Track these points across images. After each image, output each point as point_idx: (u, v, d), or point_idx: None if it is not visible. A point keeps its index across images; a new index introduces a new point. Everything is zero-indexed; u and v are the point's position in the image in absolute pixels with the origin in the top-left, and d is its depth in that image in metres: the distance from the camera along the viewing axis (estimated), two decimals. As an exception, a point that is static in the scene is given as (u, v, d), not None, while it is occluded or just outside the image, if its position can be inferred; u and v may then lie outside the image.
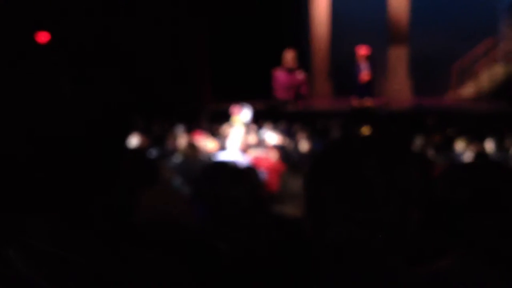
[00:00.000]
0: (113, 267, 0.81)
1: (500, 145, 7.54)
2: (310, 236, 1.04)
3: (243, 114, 6.61)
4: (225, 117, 10.78)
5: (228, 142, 6.81)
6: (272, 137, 8.02)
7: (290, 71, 13.45)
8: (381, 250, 0.96)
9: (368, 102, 13.31)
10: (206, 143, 8.10)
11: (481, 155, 5.81)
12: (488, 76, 15.04)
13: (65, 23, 11.21)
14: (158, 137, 9.22)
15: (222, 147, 7.21)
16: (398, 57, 15.54)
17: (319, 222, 1.00)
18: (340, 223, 0.96)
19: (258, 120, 9.80)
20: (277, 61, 13.62)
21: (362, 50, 13.45)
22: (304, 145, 7.78)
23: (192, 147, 6.40)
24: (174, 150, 7.23)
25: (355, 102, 13.44)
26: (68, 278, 0.76)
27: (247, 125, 6.22)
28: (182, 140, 7.30)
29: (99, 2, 12.21)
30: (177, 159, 6.41)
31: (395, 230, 0.96)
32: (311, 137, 8.54)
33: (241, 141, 6.81)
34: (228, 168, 3.72)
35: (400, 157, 1.00)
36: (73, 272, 0.77)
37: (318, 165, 1.04)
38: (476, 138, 7.90)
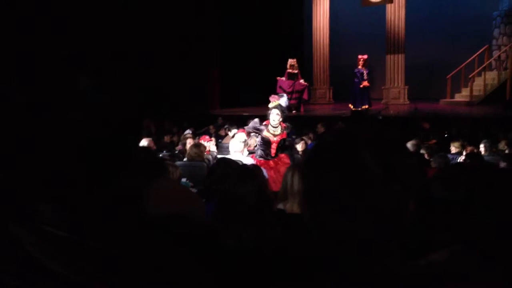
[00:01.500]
0: (123, 252, 0.81)
1: (493, 148, 7.66)
2: (310, 228, 1.00)
3: (281, 100, 6.77)
4: (231, 122, 11.10)
5: (233, 145, 6.83)
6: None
7: (293, 78, 13.81)
8: (380, 240, 0.95)
9: (366, 107, 13.67)
10: (212, 146, 8.40)
11: (475, 157, 5.86)
12: (482, 82, 15.24)
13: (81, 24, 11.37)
14: (166, 142, 9.45)
15: (227, 150, 7.19)
16: (396, 65, 15.92)
17: (318, 213, 0.98)
18: (339, 213, 0.94)
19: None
20: (281, 69, 14.04)
21: (362, 58, 13.84)
22: (303, 147, 8.10)
23: (198, 150, 6.36)
24: (183, 153, 7.25)
25: (354, 107, 13.77)
26: (77, 260, 0.77)
27: (282, 110, 6.38)
28: (189, 144, 7.28)
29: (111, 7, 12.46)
30: (183, 161, 6.37)
31: (392, 220, 0.94)
32: (313, 140, 8.86)
33: (244, 144, 6.79)
34: (235, 167, 3.78)
35: (397, 147, 0.98)
36: (82, 255, 0.78)
37: (315, 156, 1.02)
38: (470, 141, 8.17)
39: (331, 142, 1.01)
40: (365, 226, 0.93)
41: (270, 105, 6.60)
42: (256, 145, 7.85)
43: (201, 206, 2.61)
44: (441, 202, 3.37)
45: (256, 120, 6.69)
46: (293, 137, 6.41)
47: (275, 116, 6.38)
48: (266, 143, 6.50)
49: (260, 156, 6.52)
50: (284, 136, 6.49)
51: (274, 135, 6.42)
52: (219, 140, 9.64)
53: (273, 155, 6.46)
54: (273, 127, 6.40)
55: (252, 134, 9.19)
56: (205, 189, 3.89)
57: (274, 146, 6.45)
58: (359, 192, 0.92)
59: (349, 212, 0.93)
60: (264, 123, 6.55)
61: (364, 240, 0.94)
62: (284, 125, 6.50)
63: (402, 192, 0.94)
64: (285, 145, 6.40)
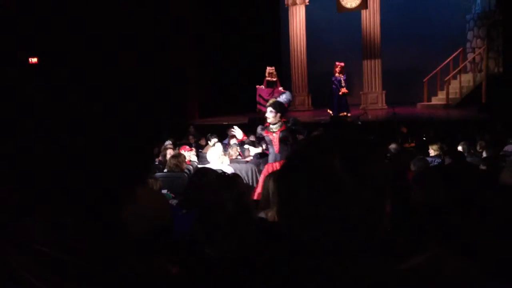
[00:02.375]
0: (105, 264, 0.82)
1: (471, 150, 7.72)
2: (286, 237, 1.01)
3: (281, 96, 6.86)
4: (211, 132, 11.10)
5: (211, 154, 6.88)
6: (253, 149, 8.38)
7: (272, 86, 13.87)
8: (356, 246, 0.95)
9: (345, 113, 13.76)
10: (192, 156, 8.37)
11: (457, 156, 5.88)
12: (458, 85, 15.45)
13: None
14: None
15: (207, 159, 7.23)
16: (373, 70, 16.06)
17: (293, 223, 0.98)
18: (312, 220, 0.94)
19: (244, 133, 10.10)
20: (260, 78, 14.08)
21: (338, 65, 13.93)
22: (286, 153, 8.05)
23: (177, 160, 6.38)
24: (163, 164, 7.23)
25: (332, 113, 13.86)
26: (60, 277, 0.78)
27: (275, 106, 6.43)
28: (169, 155, 7.31)
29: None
30: (164, 172, 6.35)
31: (367, 224, 0.95)
32: (293, 146, 8.88)
33: (222, 153, 6.89)
34: (214, 176, 3.73)
35: (367, 153, 0.99)
36: (66, 272, 0.79)
37: (288, 166, 1.03)
38: (448, 144, 8.27)
39: (302, 151, 1.02)
40: (339, 232, 0.93)
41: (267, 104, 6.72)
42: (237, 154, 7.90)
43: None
44: (421, 205, 3.39)
45: (260, 126, 6.73)
46: (293, 127, 6.41)
47: (269, 114, 6.42)
48: (270, 144, 6.56)
49: (274, 160, 6.54)
50: (283, 129, 6.48)
51: (274, 132, 6.44)
52: (200, 150, 9.61)
53: (276, 151, 6.48)
54: (272, 124, 6.43)
55: (232, 144, 9.21)
56: (185, 199, 3.88)
57: (275, 142, 6.48)
58: (331, 200, 0.93)
59: (322, 220, 0.93)
60: (265, 124, 6.61)
61: (340, 248, 0.94)
62: (284, 119, 6.53)
63: (375, 197, 0.96)
64: (284, 138, 6.43)
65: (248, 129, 9.94)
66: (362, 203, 0.93)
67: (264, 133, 6.54)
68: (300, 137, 10.50)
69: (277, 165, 6.36)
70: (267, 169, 6.42)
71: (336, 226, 0.93)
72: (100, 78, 0.88)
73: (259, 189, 5.60)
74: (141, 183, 0.91)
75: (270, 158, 6.60)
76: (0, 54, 13.10)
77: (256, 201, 4.66)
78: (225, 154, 7.16)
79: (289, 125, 6.48)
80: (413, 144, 9.76)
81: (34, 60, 14.41)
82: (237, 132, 7.26)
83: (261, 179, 6.45)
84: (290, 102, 7.18)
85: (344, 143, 1.00)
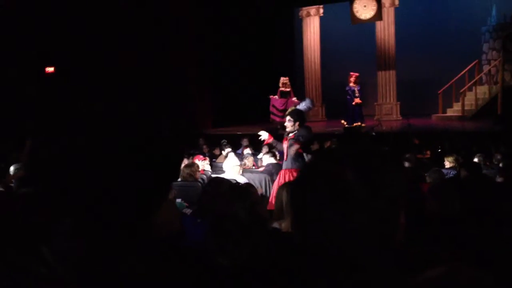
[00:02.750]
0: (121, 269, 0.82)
1: (487, 162, 7.64)
2: (300, 247, 1.01)
3: (300, 104, 6.91)
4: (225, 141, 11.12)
5: (227, 164, 6.83)
6: (267, 159, 8.37)
7: (285, 96, 13.88)
8: (370, 258, 0.95)
9: (359, 123, 13.70)
10: (206, 166, 8.38)
11: (473, 168, 5.82)
12: (474, 97, 15.32)
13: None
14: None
15: (222, 169, 7.26)
16: (387, 81, 16.03)
17: (307, 234, 0.98)
18: (325, 232, 0.94)
19: (256, 144, 10.12)
20: (273, 88, 14.09)
21: (353, 76, 13.92)
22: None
23: (190, 170, 6.37)
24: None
25: (347, 124, 13.81)
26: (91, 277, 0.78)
27: (292, 115, 6.46)
28: (183, 164, 7.11)
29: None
30: (178, 181, 6.24)
31: (382, 238, 0.95)
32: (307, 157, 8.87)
33: (237, 163, 6.91)
34: (228, 186, 3.73)
35: (381, 164, 0.99)
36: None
37: (302, 177, 1.04)
38: (463, 156, 8.20)
39: (315, 163, 1.04)
40: (353, 245, 0.94)
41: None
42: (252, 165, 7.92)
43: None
44: (436, 217, 3.37)
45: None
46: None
47: (287, 123, 6.48)
48: (283, 151, 6.69)
49: (285, 167, 6.60)
50: (292, 137, 6.47)
51: (287, 140, 6.53)
52: (213, 160, 9.63)
53: (285, 159, 6.56)
54: (290, 133, 6.48)
55: (246, 153, 9.22)
56: (199, 208, 3.89)
57: (285, 151, 6.58)
58: (345, 211, 0.93)
59: (336, 231, 0.94)
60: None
61: (354, 259, 0.94)
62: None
63: (389, 209, 0.96)
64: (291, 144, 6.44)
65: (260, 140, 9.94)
66: (376, 214, 0.94)
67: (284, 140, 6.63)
68: (315, 147, 10.53)
69: (287, 173, 6.40)
70: (280, 176, 6.51)
71: (351, 238, 0.93)
72: (117, 87, 0.89)
73: (272, 199, 5.59)
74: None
75: (283, 165, 6.70)
76: (18, 64, 13.28)
77: (270, 211, 4.63)
78: (240, 164, 7.15)
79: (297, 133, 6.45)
80: (427, 156, 9.68)
81: (51, 69, 14.57)
82: (264, 134, 7.27)
83: (274, 187, 6.47)
84: (310, 110, 7.18)
85: (357, 154, 1.01)
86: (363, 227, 0.93)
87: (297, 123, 6.40)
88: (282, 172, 6.57)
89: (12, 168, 6.01)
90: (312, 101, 7.13)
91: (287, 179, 6.25)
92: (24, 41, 13.18)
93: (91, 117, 0.81)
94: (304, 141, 6.56)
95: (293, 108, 6.86)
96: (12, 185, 5.41)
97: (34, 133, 0.81)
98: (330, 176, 0.97)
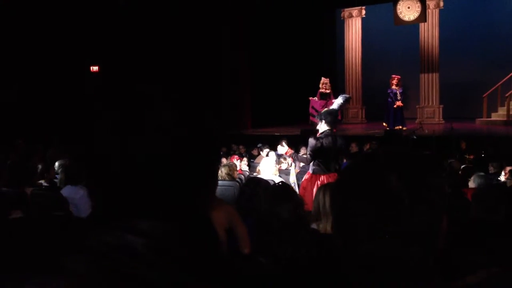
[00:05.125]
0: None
1: None
2: (341, 251, 1.01)
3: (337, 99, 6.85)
4: (262, 142, 11.15)
5: (264, 164, 6.81)
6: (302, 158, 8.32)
7: (325, 98, 13.80)
8: (412, 263, 0.93)
9: (400, 126, 13.58)
10: (243, 166, 8.41)
11: None
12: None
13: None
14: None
15: (258, 170, 7.27)
16: (430, 84, 15.76)
17: (348, 238, 0.98)
18: (367, 235, 0.94)
19: (296, 145, 10.12)
20: (314, 90, 14.03)
21: (395, 78, 13.77)
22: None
23: (228, 170, 6.41)
24: None
25: (387, 126, 13.70)
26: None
27: (321, 117, 6.43)
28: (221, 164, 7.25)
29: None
30: None
31: (424, 241, 0.94)
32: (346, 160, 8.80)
33: (273, 164, 6.87)
34: (271, 186, 3.72)
35: (423, 168, 0.98)
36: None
37: (344, 181, 1.04)
38: (508, 161, 7.98)
39: (357, 167, 1.04)
40: (395, 249, 0.93)
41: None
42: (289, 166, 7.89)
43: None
44: (481, 224, 3.30)
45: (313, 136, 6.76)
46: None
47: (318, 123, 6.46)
48: None
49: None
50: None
51: None
52: (251, 160, 9.67)
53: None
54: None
55: (284, 155, 9.22)
56: (237, 208, 3.89)
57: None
58: (387, 216, 0.93)
59: (378, 236, 0.93)
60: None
61: (395, 264, 0.93)
62: (335, 130, 6.55)
63: (431, 213, 0.94)
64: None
65: (300, 141, 9.91)
66: (419, 219, 0.93)
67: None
68: (354, 149, 10.42)
69: (311, 177, 6.35)
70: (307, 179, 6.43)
71: (392, 242, 0.93)
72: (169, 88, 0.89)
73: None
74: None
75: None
76: (63, 63, 13.64)
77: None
78: (276, 165, 7.15)
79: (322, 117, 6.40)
80: (472, 156, 9.48)
81: (95, 68, 14.92)
82: (281, 149, 7.27)
83: (301, 188, 6.44)
84: (347, 102, 7.05)
85: (400, 158, 1.00)
86: (406, 232, 0.92)
87: (323, 122, 6.35)
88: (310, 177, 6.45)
89: (57, 164, 6.17)
90: (344, 97, 6.97)
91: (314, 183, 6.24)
92: (68, 40, 13.52)
93: (158, 121, 0.81)
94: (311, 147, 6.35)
95: (326, 109, 6.77)
96: (56, 180, 5.55)
97: (93, 134, 0.82)
98: (373, 181, 0.96)
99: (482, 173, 5.77)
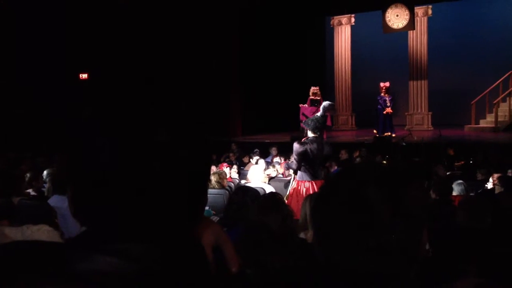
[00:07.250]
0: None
1: None
2: (321, 263, 1.00)
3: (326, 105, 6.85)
4: (253, 150, 11.17)
5: (252, 172, 6.84)
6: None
7: (315, 105, 13.84)
8: (393, 277, 0.94)
9: (389, 133, 13.66)
10: (233, 173, 8.40)
11: (505, 186, 5.71)
12: (507, 108, 15.00)
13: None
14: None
15: (247, 178, 7.26)
16: (419, 91, 15.87)
17: (328, 249, 0.98)
18: (348, 249, 0.94)
19: (286, 152, 10.13)
20: (303, 96, 14.08)
21: (384, 86, 13.84)
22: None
23: (218, 177, 6.39)
24: None
25: (377, 133, 13.76)
26: None
27: (325, 110, 6.49)
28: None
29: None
30: None
31: (403, 254, 0.94)
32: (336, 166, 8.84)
33: (261, 172, 6.90)
34: (260, 196, 3.74)
35: (402, 180, 0.99)
36: None
37: (323, 193, 1.03)
38: (496, 168, 8.03)
39: (337, 181, 1.02)
40: (375, 260, 0.93)
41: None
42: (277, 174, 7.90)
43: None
44: (466, 231, 3.33)
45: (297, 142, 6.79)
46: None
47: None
48: None
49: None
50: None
51: None
52: (242, 168, 9.66)
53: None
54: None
55: (275, 162, 9.23)
56: (225, 217, 3.88)
57: None
58: (367, 228, 0.93)
59: (358, 248, 0.93)
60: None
61: (374, 274, 0.94)
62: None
63: (411, 226, 0.95)
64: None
65: (290, 148, 9.92)
66: (397, 232, 0.93)
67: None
68: (344, 156, 10.44)
69: (304, 184, 6.36)
70: (294, 188, 6.46)
71: (372, 255, 0.93)
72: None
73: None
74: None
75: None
76: (52, 70, 13.60)
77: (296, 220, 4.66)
78: (264, 173, 7.15)
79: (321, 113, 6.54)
80: (462, 163, 9.55)
81: (84, 76, 14.89)
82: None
83: (289, 196, 6.44)
84: (330, 108, 7.04)
85: (380, 171, 1.00)
86: (384, 244, 0.92)
87: (307, 130, 6.46)
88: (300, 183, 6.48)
89: (45, 172, 6.14)
90: (327, 104, 6.98)
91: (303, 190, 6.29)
92: (57, 48, 13.48)
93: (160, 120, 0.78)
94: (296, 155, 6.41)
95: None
96: (44, 189, 5.52)
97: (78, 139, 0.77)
98: (351, 194, 0.96)
99: (460, 181, 5.82)
